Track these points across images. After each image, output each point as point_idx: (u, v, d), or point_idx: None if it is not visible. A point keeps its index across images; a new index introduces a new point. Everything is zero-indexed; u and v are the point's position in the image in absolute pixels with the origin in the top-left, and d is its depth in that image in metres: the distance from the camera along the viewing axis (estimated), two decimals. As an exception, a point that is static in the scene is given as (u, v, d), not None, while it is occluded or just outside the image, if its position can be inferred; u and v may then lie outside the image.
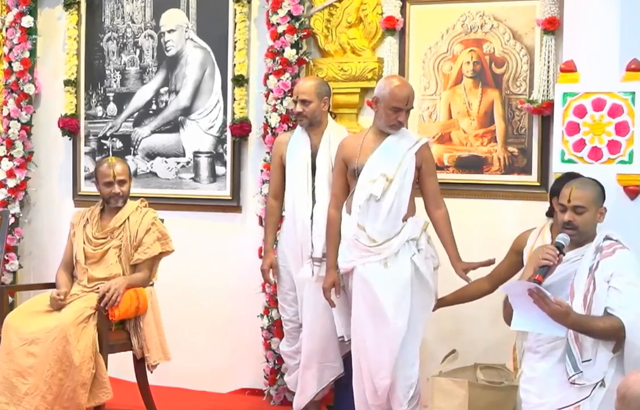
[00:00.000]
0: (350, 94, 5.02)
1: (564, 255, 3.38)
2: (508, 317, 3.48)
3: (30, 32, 5.67)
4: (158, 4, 5.52)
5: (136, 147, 5.62)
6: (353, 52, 5.05)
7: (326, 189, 4.44)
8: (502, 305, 3.60)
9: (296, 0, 4.94)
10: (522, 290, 3.27)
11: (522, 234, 3.97)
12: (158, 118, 5.55)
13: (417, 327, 4.11)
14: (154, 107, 5.57)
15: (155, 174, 5.58)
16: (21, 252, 5.79)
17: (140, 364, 4.61)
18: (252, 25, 5.29)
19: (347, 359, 4.46)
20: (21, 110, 5.69)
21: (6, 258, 5.57)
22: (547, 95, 4.54)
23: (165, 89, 5.52)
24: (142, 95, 5.59)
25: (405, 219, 4.11)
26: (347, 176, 4.25)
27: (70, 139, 5.75)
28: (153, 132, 5.57)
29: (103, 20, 5.67)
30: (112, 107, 5.68)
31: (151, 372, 4.61)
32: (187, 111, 5.47)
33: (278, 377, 5.05)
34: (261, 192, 5.07)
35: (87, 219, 4.70)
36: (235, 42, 5.23)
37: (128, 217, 4.62)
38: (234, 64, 5.25)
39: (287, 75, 4.97)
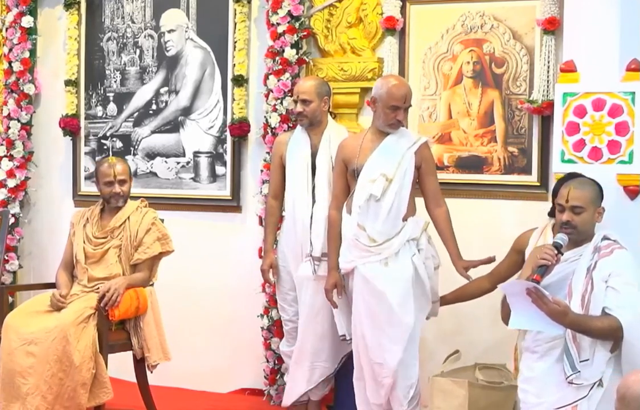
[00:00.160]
0: (350, 94, 5.02)
1: (562, 255, 3.39)
2: (506, 317, 3.49)
3: (30, 32, 5.67)
4: (158, 4, 5.53)
5: (136, 147, 5.62)
6: (353, 52, 5.05)
7: (326, 189, 4.45)
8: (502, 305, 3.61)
9: (296, 0, 4.94)
10: (521, 290, 3.27)
11: (524, 233, 3.98)
12: (158, 118, 5.55)
13: (416, 327, 4.11)
14: (154, 107, 5.57)
15: (155, 174, 5.58)
16: (21, 252, 5.79)
17: (140, 364, 4.61)
18: (252, 25, 5.29)
19: (348, 359, 4.46)
20: (21, 110, 5.69)
21: (6, 258, 5.57)
22: (547, 95, 4.54)
23: (165, 89, 5.52)
24: (142, 95, 5.59)
25: (405, 219, 4.11)
26: (347, 177, 4.26)
27: (70, 139, 5.75)
28: (153, 132, 5.57)
29: (103, 20, 5.68)
30: (112, 107, 5.68)
31: (151, 372, 4.61)
32: (187, 111, 5.47)
33: (278, 377, 5.05)
34: (261, 192, 5.07)
35: (87, 219, 4.70)
36: (235, 42, 5.23)
37: (128, 217, 4.62)
38: (234, 64, 5.26)
39: (287, 75, 4.97)
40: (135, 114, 5.61)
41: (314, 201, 4.48)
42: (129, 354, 4.58)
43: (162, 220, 4.72)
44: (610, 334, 3.24)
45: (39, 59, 5.79)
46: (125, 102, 5.64)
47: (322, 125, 4.57)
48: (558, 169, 4.14)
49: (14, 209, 5.67)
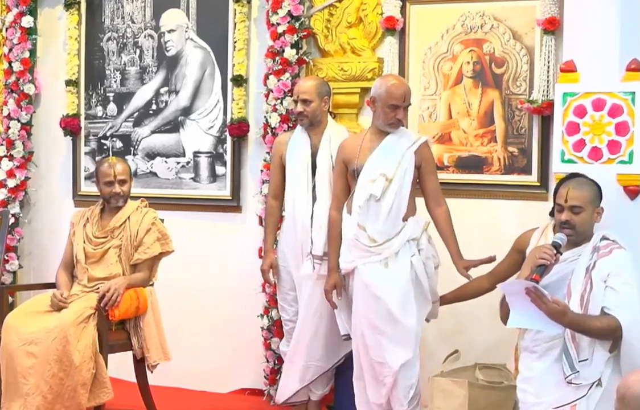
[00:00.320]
0: (350, 94, 5.02)
1: (561, 254, 3.39)
2: (505, 316, 3.49)
3: (30, 32, 5.67)
4: (158, 4, 5.53)
5: (136, 147, 5.62)
6: (353, 52, 5.05)
7: (326, 189, 4.45)
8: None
9: (296, 0, 4.94)
10: (520, 289, 3.27)
11: (524, 233, 3.98)
12: (158, 118, 5.56)
13: (417, 327, 4.11)
14: (154, 107, 5.57)
15: (155, 174, 5.58)
16: (21, 252, 5.79)
17: (140, 364, 4.62)
18: (252, 25, 5.29)
19: (348, 359, 4.46)
20: (21, 110, 5.69)
21: (6, 258, 5.57)
22: (547, 95, 4.54)
23: (165, 89, 5.52)
24: (142, 95, 5.59)
25: (405, 219, 4.11)
26: (347, 177, 4.26)
27: (70, 139, 5.75)
28: (153, 132, 5.58)
29: (103, 20, 5.68)
30: (112, 107, 5.68)
31: (151, 372, 4.62)
32: (187, 111, 5.47)
33: (278, 377, 5.03)
34: (261, 192, 5.07)
35: (87, 219, 4.70)
36: (235, 42, 5.23)
37: (128, 217, 4.62)
38: (234, 64, 5.26)
39: (287, 75, 4.97)
40: (135, 114, 5.61)
41: (314, 199, 4.48)
42: (129, 354, 4.58)
43: (162, 220, 4.72)
44: (609, 333, 3.24)
45: (39, 59, 5.79)
46: (125, 102, 5.64)
47: (322, 125, 4.57)
48: (558, 169, 4.14)
49: (14, 209, 5.67)
